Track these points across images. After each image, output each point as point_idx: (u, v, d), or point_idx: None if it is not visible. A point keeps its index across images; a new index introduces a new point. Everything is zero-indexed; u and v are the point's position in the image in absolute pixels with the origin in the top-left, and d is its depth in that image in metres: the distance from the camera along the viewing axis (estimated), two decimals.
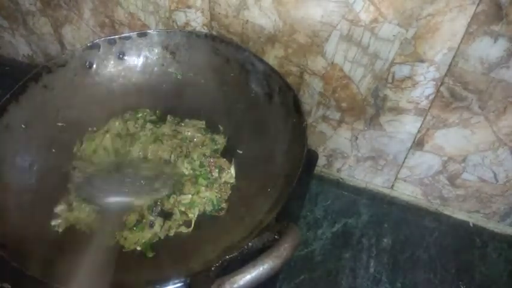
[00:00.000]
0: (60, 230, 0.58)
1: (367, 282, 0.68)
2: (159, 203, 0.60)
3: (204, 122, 0.69)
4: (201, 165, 0.64)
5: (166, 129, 0.68)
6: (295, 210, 0.67)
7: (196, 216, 0.59)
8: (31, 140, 0.63)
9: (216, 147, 0.67)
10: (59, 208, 0.59)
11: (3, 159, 0.59)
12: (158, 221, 0.58)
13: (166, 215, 0.59)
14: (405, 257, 0.71)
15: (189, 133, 0.67)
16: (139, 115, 0.70)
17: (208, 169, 0.63)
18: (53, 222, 0.58)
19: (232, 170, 0.64)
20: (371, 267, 0.70)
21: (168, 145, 0.66)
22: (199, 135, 0.67)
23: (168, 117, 0.70)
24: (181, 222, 0.59)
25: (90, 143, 0.66)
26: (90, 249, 0.53)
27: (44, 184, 0.61)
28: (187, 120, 0.70)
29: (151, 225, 0.58)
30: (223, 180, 0.63)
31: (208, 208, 0.60)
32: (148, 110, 0.71)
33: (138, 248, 0.56)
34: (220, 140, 0.67)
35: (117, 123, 0.69)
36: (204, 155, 0.65)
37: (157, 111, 0.71)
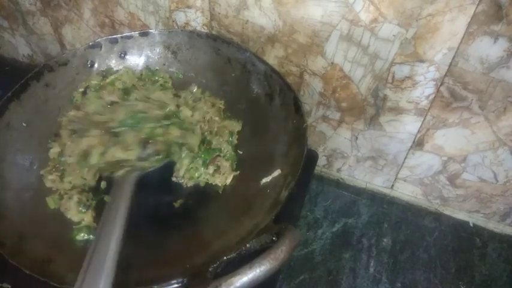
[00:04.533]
0: (55, 206, 0.58)
1: (367, 282, 0.69)
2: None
3: (223, 102, 0.68)
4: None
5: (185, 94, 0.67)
6: (295, 211, 0.67)
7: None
8: (32, 139, 0.63)
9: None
10: (52, 151, 0.61)
11: (4, 157, 0.59)
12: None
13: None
14: (405, 257, 0.71)
15: (209, 114, 0.66)
16: (156, 77, 0.69)
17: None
18: (51, 206, 0.58)
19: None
20: (371, 267, 0.70)
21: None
22: (217, 118, 0.66)
23: (193, 86, 0.69)
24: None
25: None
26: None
27: (44, 183, 0.61)
28: (207, 94, 0.69)
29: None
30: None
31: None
32: (168, 75, 0.70)
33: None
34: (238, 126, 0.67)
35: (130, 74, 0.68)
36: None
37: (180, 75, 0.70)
